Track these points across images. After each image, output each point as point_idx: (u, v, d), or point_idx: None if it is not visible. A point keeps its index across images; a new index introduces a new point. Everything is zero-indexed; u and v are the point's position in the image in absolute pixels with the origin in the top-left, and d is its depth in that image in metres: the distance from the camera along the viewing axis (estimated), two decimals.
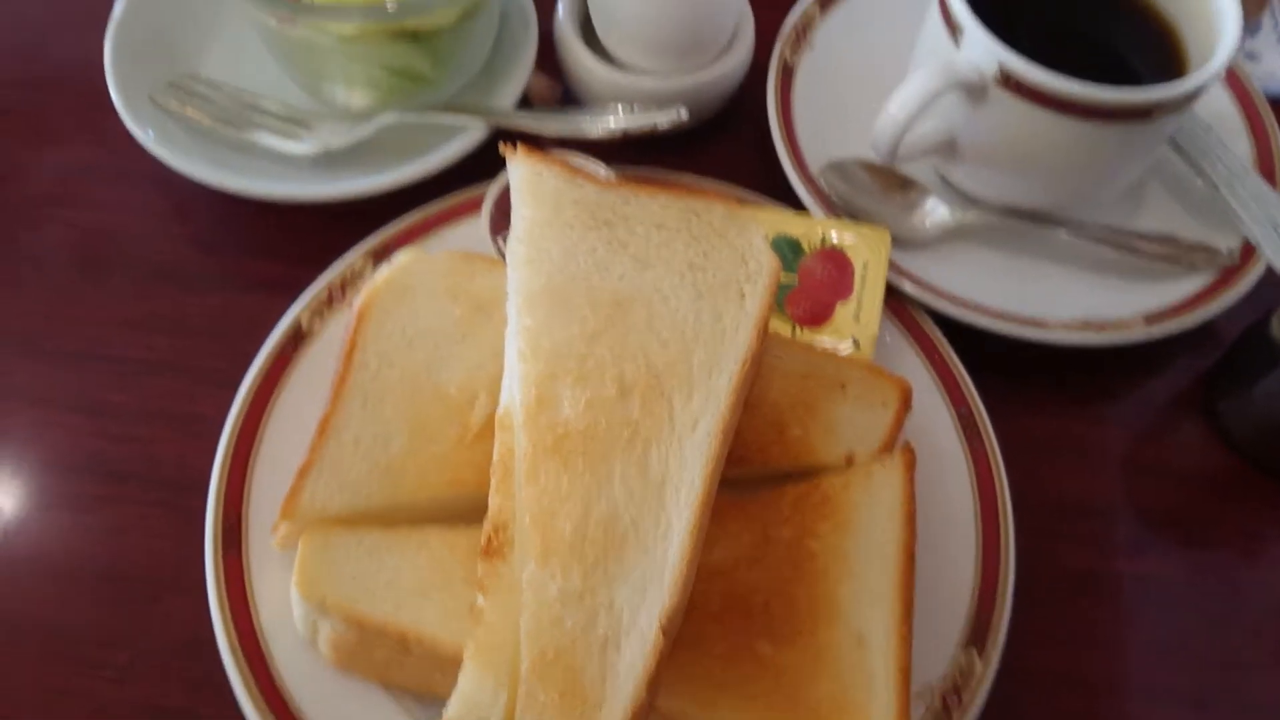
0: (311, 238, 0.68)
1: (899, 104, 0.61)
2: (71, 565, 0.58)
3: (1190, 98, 0.59)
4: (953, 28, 0.62)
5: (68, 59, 0.76)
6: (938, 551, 0.57)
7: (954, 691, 0.54)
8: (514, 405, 0.49)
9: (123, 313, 0.66)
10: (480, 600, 0.46)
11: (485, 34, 0.69)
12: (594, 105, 0.68)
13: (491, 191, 0.63)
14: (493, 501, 0.47)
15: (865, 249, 0.63)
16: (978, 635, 0.55)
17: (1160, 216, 0.70)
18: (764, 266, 0.54)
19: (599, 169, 0.63)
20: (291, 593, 0.51)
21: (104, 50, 0.68)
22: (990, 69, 0.60)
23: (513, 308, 0.52)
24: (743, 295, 0.54)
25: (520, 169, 0.56)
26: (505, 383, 0.50)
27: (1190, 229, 0.69)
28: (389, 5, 0.60)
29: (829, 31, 0.75)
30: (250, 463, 0.57)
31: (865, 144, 0.69)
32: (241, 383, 0.59)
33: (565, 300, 0.52)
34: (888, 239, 0.63)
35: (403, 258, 0.60)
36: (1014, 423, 0.63)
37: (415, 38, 0.63)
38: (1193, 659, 0.59)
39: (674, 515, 0.46)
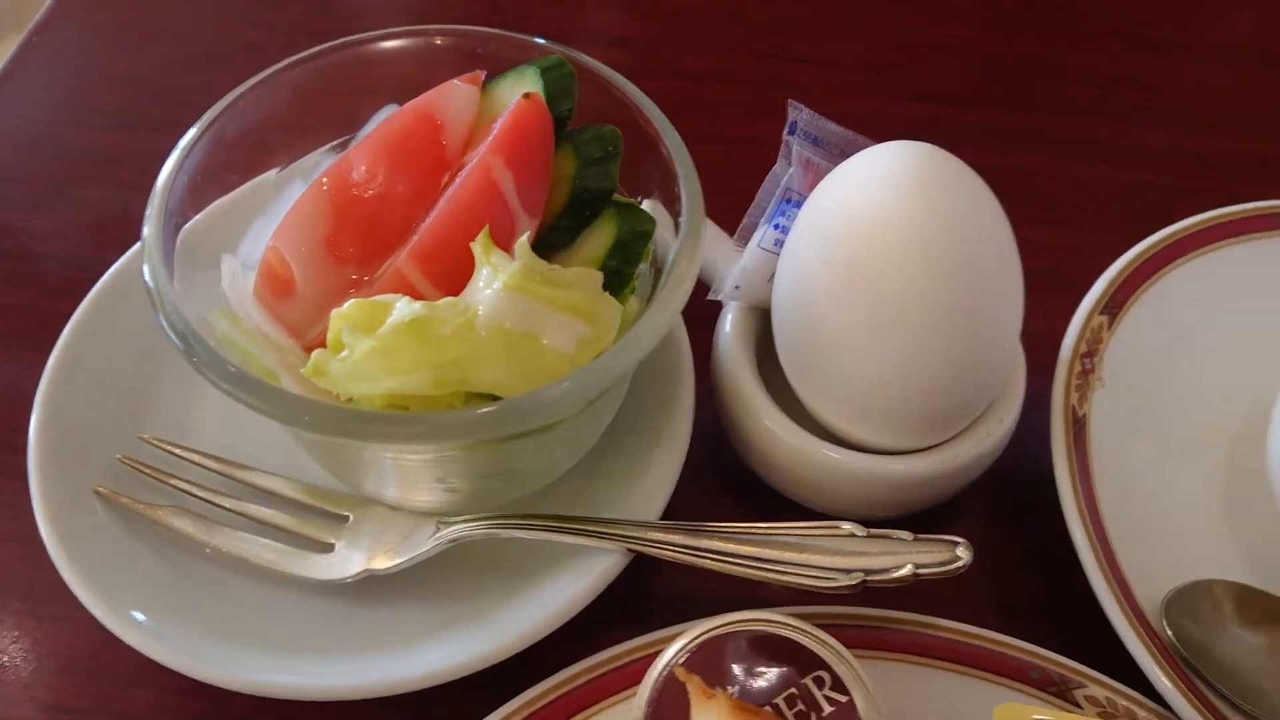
0: None
1: None
2: None
3: None
4: None
5: None
6: None
7: None
8: None
9: None
10: None
11: (614, 398, 0.44)
12: (795, 523, 0.41)
13: (647, 688, 0.37)
14: None
15: None
16: None
17: None
18: None
19: (829, 654, 0.37)
20: None
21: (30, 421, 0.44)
22: None
23: None
24: None
25: None
26: None
27: None
28: (486, 417, 0.34)
29: (1127, 352, 0.50)
30: None
31: (1219, 546, 0.44)
32: None
33: None
34: None
35: None
36: None
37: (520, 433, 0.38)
38: None
39: None
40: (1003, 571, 0.47)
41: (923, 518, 0.46)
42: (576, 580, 0.41)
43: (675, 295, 0.38)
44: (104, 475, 0.44)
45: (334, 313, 0.35)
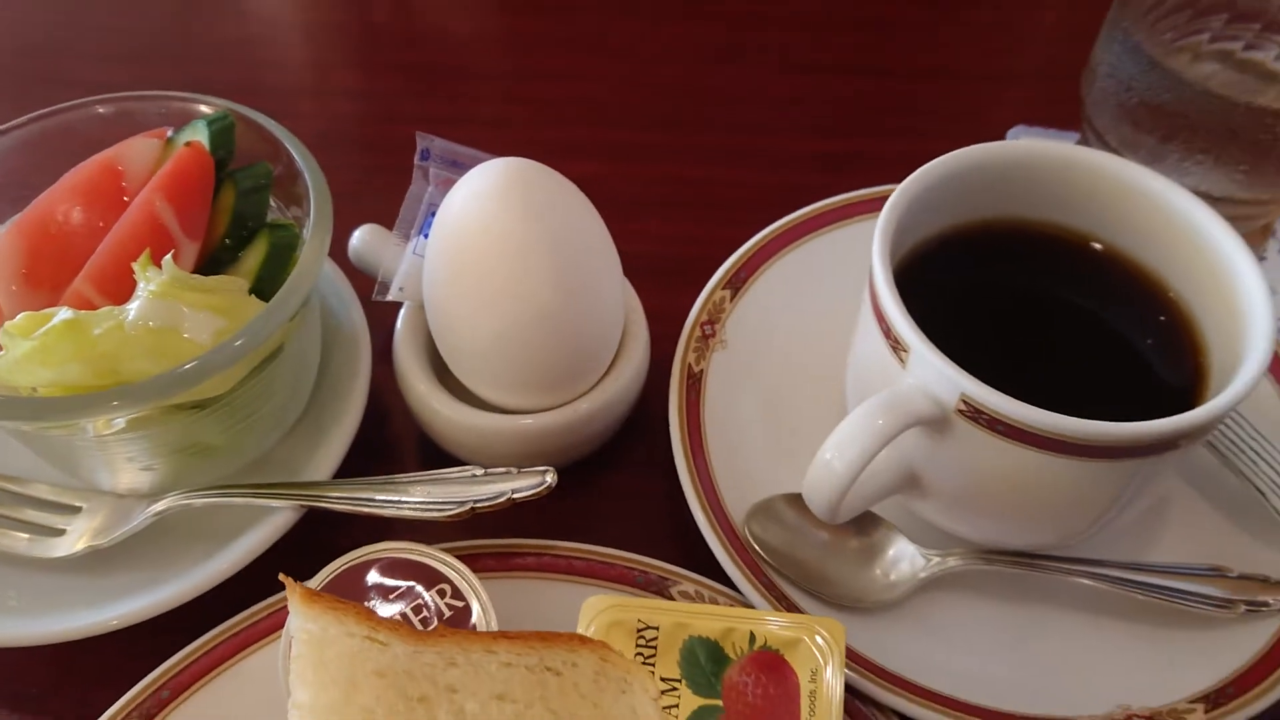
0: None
1: (838, 453, 0.45)
2: None
3: (1218, 420, 0.44)
4: (894, 344, 0.46)
5: None
6: None
7: None
8: None
9: None
10: None
11: (300, 374, 0.53)
12: (434, 470, 0.51)
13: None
14: None
15: (811, 649, 0.45)
16: None
17: (1192, 536, 0.54)
18: None
19: (451, 572, 0.46)
20: None
21: None
22: (949, 398, 0.44)
23: None
24: None
25: (299, 624, 0.39)
26: None
27: (1236, 550, 0.53)
28: (137, 389, 0.43)
29: (746, 320, 0.60)
30: None
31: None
32: None
33: None
34: (841, 634, 0.46)
35: None
36: None
37: (199, 405, 0.47)
38: None
39: None
40: (640, 502, 0.57)
41: (589, 463, 0.56)
42: (257, 534, 0.50)
43: (294, 292, 0.47)
44: None
45: (5, 324, 0.44)
